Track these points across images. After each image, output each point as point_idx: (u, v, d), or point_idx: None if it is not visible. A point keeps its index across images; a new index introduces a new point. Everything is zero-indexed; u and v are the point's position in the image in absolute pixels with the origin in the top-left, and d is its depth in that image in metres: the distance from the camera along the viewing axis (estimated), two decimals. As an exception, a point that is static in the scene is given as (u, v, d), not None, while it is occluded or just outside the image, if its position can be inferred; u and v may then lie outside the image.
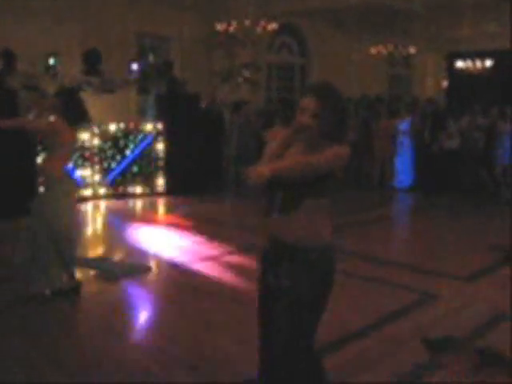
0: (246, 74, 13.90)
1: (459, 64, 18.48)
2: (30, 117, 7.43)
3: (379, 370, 3.86)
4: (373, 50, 17.20)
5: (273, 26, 13.50)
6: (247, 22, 12.99)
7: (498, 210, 10.04)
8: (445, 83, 21.15)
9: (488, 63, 17.80)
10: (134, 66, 11.59)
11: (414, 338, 4.29)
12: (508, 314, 4.91)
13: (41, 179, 5.41)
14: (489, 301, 5.29)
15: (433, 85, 21.00)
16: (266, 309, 2.93)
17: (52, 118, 5.48)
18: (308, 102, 2.69)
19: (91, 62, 10.62)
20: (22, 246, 5.15)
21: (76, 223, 5.59)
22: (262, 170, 2.58)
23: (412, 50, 17.30)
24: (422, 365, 3.92)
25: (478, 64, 17.78)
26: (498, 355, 3.92)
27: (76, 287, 5.23)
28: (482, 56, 17.78)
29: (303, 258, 2.76)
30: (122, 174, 10.40)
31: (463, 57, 18.19)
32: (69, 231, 5.19)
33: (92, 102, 10.11)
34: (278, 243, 2.81)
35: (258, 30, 13.19)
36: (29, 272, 5.06)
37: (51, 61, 10.53)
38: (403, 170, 11.85)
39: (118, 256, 6.76)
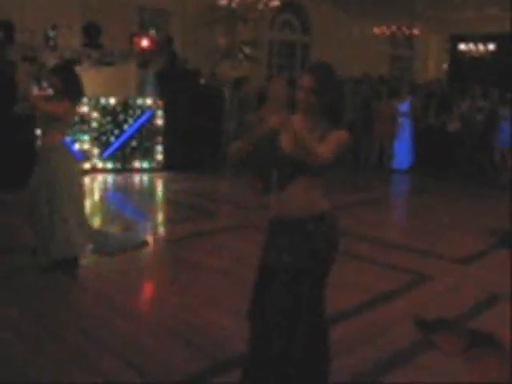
0: (247, 50, 13.83)
1: (462, 47, 18.40)
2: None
3: (371, 349, 3.90)
4: (376, 30, 17.10)
5: (275, 3, 13.39)
6: (249, -2, 12.89)
7: (496, 193, 10.05)
8: (446, 66, 21.06)
9: (491, 47, 17.71)
10: (135, 40, 11.52)
11: (407, 318, 4.33)
12: (500, 295, 4.96)
13: (41, 153, 5.33)
14: (482, 283, 5.34)
15: (435, 67, 20.90)
16: (265, 285, 2.93)
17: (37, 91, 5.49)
18: (305, 80, 2.79)
19: (91, 34, 10.56)
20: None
21: (82, 196, 5.54)
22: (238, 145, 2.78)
23: (415, 32, 17.18)
24: (413, 345, 3.97)
25: (481, 47, 17.69)
26: (488, 336, 3.97)
27: (74, 260, 5.26)
28: (485, 39, 17.68)
29: (300, 229, 2.84)
30: (121, 148, 10.37)
31: (466, 40, 18.09)
32: (75, 199, 5.23)
33: (91, 76, 10.12)
34: (277, 219, 2.92)
35: (260, 6, 13.08)
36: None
37: (51, 33, 10.46)
38: (402, 151, 11.83)
39: (115, 230, 6.78)
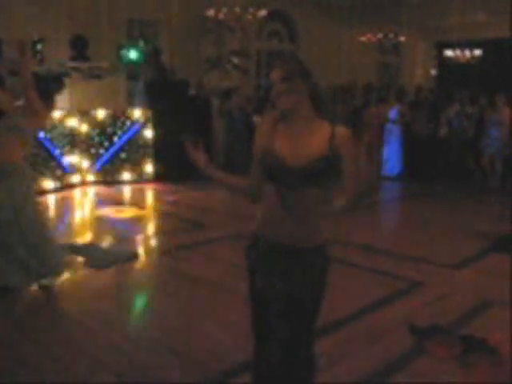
0: (235, 60, 13.86)
1: (448, 53, 18.52)
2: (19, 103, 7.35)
3: (365, 356, 3.89)
4: (363, 38, 17.17)
5: (262, 12, 13.43)
6: (237, 9, 12.91)
7: (485, 198, 10.10)
8: (434, 72, 21.20)
9: (477, 52, 17.84)
10: (123, 52, 11.52)
11: (401, 325, 4.33)
12: (493, 301, 4.97)
13: None
14: (475, 288, 5.35)
15: (422, 73, 21.04)
16: (260, 311, 2.80)
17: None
18: (274, 73, 2.65)
19: (79, 47, 10.54)
20: None
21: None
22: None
23: (401, 39, 17.28)
24: (407, 351, 3.97)
25: (467, 53, 17.81)
26: (482, 342, 3.97)
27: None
28: (471, 45, 17.81)
29: (300, 258, 2.63)
30: (110, 160, 10.36)
31: (452, 46, 18.21)
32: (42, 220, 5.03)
33: (79, 88, 10.12)
34: (274, 241, 2.66)
35: (248, 16, 13.12)
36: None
37: (38, 46, 10.45)
38: (391, 158, 11.88)
39: (106, 243, 6.75)
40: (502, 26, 16.26)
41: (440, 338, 4.07)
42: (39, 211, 5.06)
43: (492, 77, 17.25)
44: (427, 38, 20.01)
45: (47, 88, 5.07)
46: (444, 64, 19.81)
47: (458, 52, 17.93)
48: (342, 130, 2.63)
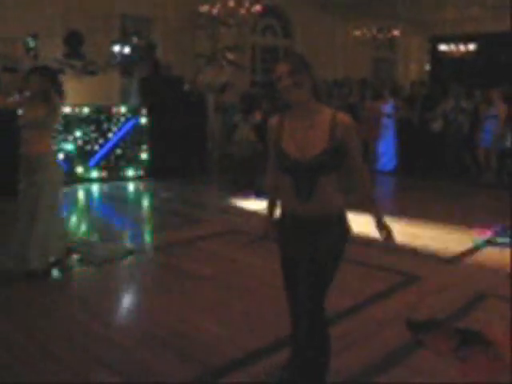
0: (230, 56, 13.82)
1: (442, 47, 18.53)
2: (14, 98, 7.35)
3: (363, 350, 3.90)
4: (357, 33, 17.17)
5: (257, 7, 13.40)
6: (231, 4, 12.87)
7: (481, 192, 10.13)
8: (428, 66, 21.21)
9: (471, 47, 17.86)
10: (117, 48, 11.48)
11: (398, 319, 4.34)
12: (489, 294, 4.98)
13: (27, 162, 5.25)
14: (471, 281, 5.36)
15: (416, 68, 21.05)
16: (292, 276, 3.07)
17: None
18: (280, 67, 2.83)
19: (73, 44, 10.50)
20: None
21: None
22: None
23: (396, 33, 17.29)
24: (405, 345, 3.97)
25: (461, 47, 17.83)
26: (478, 335, 3.97)
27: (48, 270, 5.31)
28: (465, 40, 17.83)
29: (323, 227, 2.94)
30: (106, 157, 10.33)
31: (446, 40, 18.23)
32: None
33: (74, 85, 10.08)
34: (300, 217, 2.95)
35: (242, 11, 13.08)
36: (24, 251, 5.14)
37: (31, 42, 10.40)
38: (386, 153, 11.89)
39: (101, 239, 6.73)
40: (496, 21, 16.29)
41: (437, 332, 4.07)
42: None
43: (486, 71, 17.27)
44: (421, 33, 20.01)
45: (58, 81, 5.18)
46: (438, 58, 19.83)
47: (453, 46, 17.96)
48: (343, 118, 2.87)
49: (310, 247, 2.95)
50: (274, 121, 3.02)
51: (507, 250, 6.29)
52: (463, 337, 3.98)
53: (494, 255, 6.24)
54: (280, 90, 2.84)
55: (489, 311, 4.67)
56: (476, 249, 6.46)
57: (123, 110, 10.45)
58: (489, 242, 6.66)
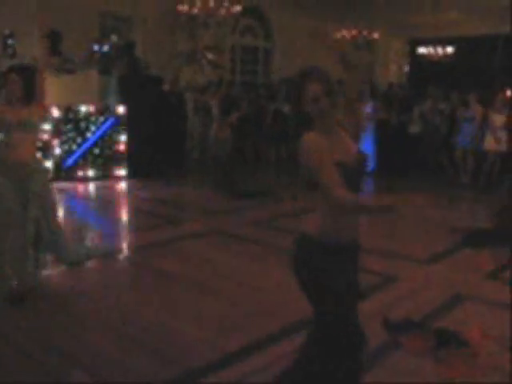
0: (210, 56, 13.80)
1: (421, 50, 18.68)
2: None
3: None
4: (336, 35, 17.24)
5: (237, 8, 13.40)
6: (210, 4, 12.85)
7: (457, 193, 10.22)
8: (407, 69, 21.37)
9: (449, 50, 18.02)
10: (96, 47, 11.39)
11: (375, 320, 4.35)
12: (466, 295, 5.03)
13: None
14: (448, 282, 5.40)
15: (396, 70, 21.20)
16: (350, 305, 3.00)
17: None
18: (315, 87, 2.70)
19: (51, 42, 10.38)
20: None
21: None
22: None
23: (375, 35, 17.38)
24: (382, 346, 3.99)
25: (440, 50, 17.99)
26: (454, 335, 4.01)
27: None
28: (444, 43, 17.99)
29: (319, 247, 2.78)
30: (83, 156, 10.24)
31: (425, 43, 18.38)
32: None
33: (52, 83, 9.96)
34: (350, 242, 2.89)
35: (222, 12, 13.07)
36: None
37: (9, 41, 10.28)
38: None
39: (79, 240, 6.67)
40: (474, 24, 16.47)
41: (414, 332, 4.10)
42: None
43: (464, 74, 17.43)
44: (400, 35, 20.16)
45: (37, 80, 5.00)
46: (417, 61, 19.99)
47: (431, 49, 18.11)
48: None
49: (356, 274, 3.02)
50: (316, 140, 2.72)
51: (484, 252, 6.37)
52: (439, 337, 4.01)
53: (470, 256, 6.31)
54: (315, 110, 2.71)
55: (465, 312, 4.71)
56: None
57: (101, 108, 10.36)
58: (465, 244, 6.73)
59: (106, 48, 11.38)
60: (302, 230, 2.86)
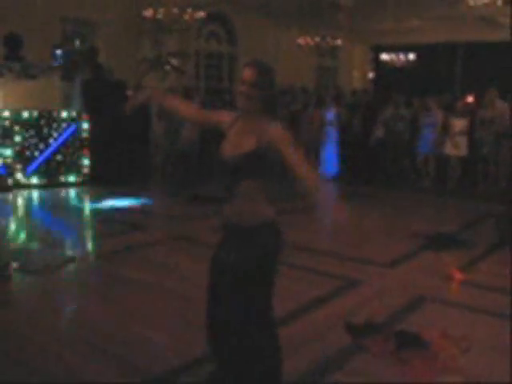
0: (174, 62, 13.77)
1: (384, 56, 18.96)
2: None
3: (304, 355, 3.92)
4: (301, 41, 17.37)
5: (200, 14, 13.41)
6: (175, 10, 12.84)
7: (419, 197, 10.37)
8: (371, 75, 21.64)
9: (411, 56, 18.33)
10: (58, 52, 11.27)
11: (338, 324, 4.39)
12: (427, 298, 5.11)
13: None
14: (409, 285, 5.47)
15: (359, 76, 21.44)
16: (215, 285, 3.10)
17: None
18: (248, 73, 2.96)
19: (11, 46, 10.24)
20: None
21: None
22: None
23: (339, 42, 17.57)
24: (345, 349, 4.03)
25: (402, 57, 18.28)
26: (415, 337, 4.07)
27: None
28: (406, 49, 18.30)
29: (248, 236, 3.00)
30: (46, 162, 10.11)
31: (388, 50, 18.67)
32: None
33: (13, 88, 9.84)
34: (228, 224, 3.07)
35: (186, 17, 13.06)
36: None
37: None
38: (329, 159, 12.04)
39: (41, 247, 6.58)
40: (435, 31, 16.78)
41: (375, 335, 4.14)
42: None
43: (425, 80, 17.74)
44: (363, 42, 20.42)
45: None
46: (380, 67, 20.27)
47: (394, 56, 18.39)
48: (275, 127, 2.94)
49: (231, 252, 3.03)
50: (230, 115, 3.13)
51: (443, 254, 6.49)
52: (401, 339, 4.06)
53: (431, 259, 6.41)
54: (236, 92, 3.04)
55: (426, 315, 4.78)
56: None
57: (64, 114, 10.25)
58: (428, 246, 6.84)
59: (68, 53, 11.25)
60: (252, 220, 2.99)
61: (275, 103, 3.07)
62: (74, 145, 10.32)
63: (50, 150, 10.10)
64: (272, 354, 3.12)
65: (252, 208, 2.97)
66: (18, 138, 9.78)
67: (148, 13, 12.97)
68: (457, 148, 10.63)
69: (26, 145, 9.89)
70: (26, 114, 9.85)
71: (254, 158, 2.91)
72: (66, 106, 10.77)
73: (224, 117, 3.15)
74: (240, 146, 2.95)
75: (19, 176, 9.84)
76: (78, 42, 13.54)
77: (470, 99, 12.59)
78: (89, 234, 7.66)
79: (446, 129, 10.77)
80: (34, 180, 10.01)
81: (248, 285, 2.97)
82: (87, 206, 9.43)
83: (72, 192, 9.93)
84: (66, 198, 9.66)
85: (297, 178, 2.91)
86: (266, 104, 2.97)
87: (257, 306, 3.03)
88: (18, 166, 9.83)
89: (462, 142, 10.67)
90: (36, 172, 10.02)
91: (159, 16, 13.02)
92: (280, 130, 2.94)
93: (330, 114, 11.91)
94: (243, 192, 2.95)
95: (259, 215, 3.00)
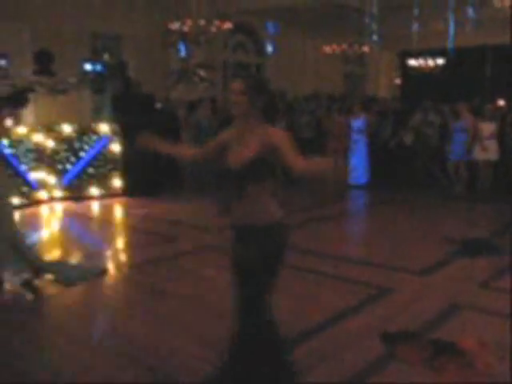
0: (202, 73, 13.87)
1: (411, 62, 18.83)
2: None
3: (337, 364, 3.91)
4: (327, 49, 17.37)
5: (227, 25, 13.49)
6: (201, 22, 12.94)
7: (451, 204, 10.26)
8: (398, 81, 21.52)
9: (439, 61, 18.17)
10: (88, 66, 11.46)
11: (372, 332, 4.37)
12: (461, 305, 5.05)
13: None
14: (443, 293, 5.42)
15: (386, 82, 21.34)
16: (236, 275, 3.41)
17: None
18: (236, 85, 3.27)
19: (43, 61, 10.43)
20: None
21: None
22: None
23: (365, 49, 17.52)
24: (379, 358, 4.00)
25: (430, 62, 18.14)
26: (450, 345, 4.03)
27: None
28: (434, 54, 18.14)
29: (255, 234, 3.26)
30: (78, 175, 10.25)
31: (415, 55, 18.54)
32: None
33: (45, 103, 10.02)
34: (235, 225, 3.40)
35: (213, 29, 13.16)
36: None
37: (1, 62, 10.33)
38: (359, 167, 11.99)
39: (75, 259, 6.68)
40: (463, 36, 16.61)
41: (410, 343, 4.11)
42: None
43: (454, 85, 17.58)
44: (390, 48, 20.31)
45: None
46: (408, 73, 20.13)
47: (421, 61, 18.26)
48: (275, 130, 3.24)
49: (242, 251, 3.33)
50: (228, 132, 3.42)
51: (476, 260, 6.42)
52: (436, 347, 4.03)
53: (465, 266, 6.34)
54: (230, 102, 3.32)
55: (461, 323, 4.73)
56: None
57: (95, 128, 10.39)
58: (461, 252, 6.77)
59: (98, 67, 11.43)
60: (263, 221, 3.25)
61: (272, 108, 3.37)
62: (105, 158, 10.45)
63: (82, 163, 10.25)
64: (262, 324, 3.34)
65: (259, 209, 3.24)
66: (49, 152, 9.94)
67: (175, 26, 13.10)
68: (486, 152, 10.49)
69: (58, 158, 10.04)
70: (57, 128, 10.00)
71: (257, 162, 3.16)
72: (97, 119, 10.92)
73: (222, 136, 3.44)
74: (243, 154, 3.21)
75: (51, 189, 9.99)
76: (106, 57, 13.74)
77: (501, 103, 12.43)
78: (121, 246, 7.74)
79: (476, 134, 10.64)
80: (67, 193, 10.15)
81: (257, 274, 3.25)
82: (119, 219, 9.54)
83: (104, 205, 10.05)
84: (99, 210, 9.77)
85: (293, 172, 3.11)
86: (263, 109, 3.25)
87: (260, 289, 3.29)
88: (50, 180, 9.98)
89: (492, 146, 10.53)
90: (68, 185, 10.17)
91: (185, 28, 13.14)
92: (280, 131, 3.26)
93: (359, 122, 11.86)
94: (250, 195, 3.21)
95: (266, 215, 3.26)
